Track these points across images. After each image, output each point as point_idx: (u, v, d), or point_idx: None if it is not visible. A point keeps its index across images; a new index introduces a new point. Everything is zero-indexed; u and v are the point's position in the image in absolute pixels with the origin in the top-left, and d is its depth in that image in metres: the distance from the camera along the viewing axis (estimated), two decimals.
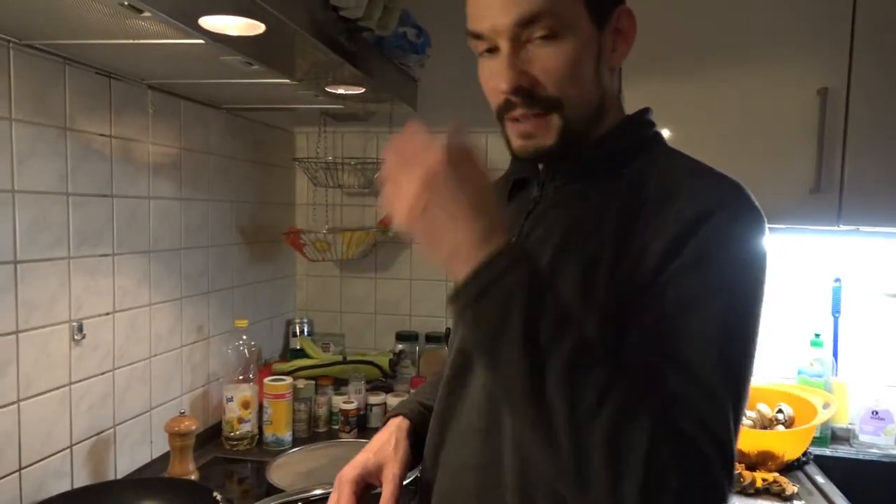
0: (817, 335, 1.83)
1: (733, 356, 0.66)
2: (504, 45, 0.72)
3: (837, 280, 1.85)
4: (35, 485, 1.19)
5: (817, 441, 1.73)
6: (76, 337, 1.27)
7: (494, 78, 0.74)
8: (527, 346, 0.61)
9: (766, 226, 0.72)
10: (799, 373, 1.83)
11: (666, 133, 1.58)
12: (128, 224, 1.41)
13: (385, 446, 0.90)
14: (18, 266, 1.14)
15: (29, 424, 1.18)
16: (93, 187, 1.31)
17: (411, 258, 2.16)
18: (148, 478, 1.40)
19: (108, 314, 1.36)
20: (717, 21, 1.54)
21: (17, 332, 1.14)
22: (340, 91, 1.46)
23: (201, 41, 1.03)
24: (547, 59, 0.72)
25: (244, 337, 1.71)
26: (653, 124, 0.83)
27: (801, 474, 1.57)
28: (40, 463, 1.20)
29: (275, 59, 1.20)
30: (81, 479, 1.30)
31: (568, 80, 0.73)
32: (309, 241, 1.93)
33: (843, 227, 1.54)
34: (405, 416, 0.95)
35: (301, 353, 2.03)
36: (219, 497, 1.20)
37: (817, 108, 1.50)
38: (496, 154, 2.12)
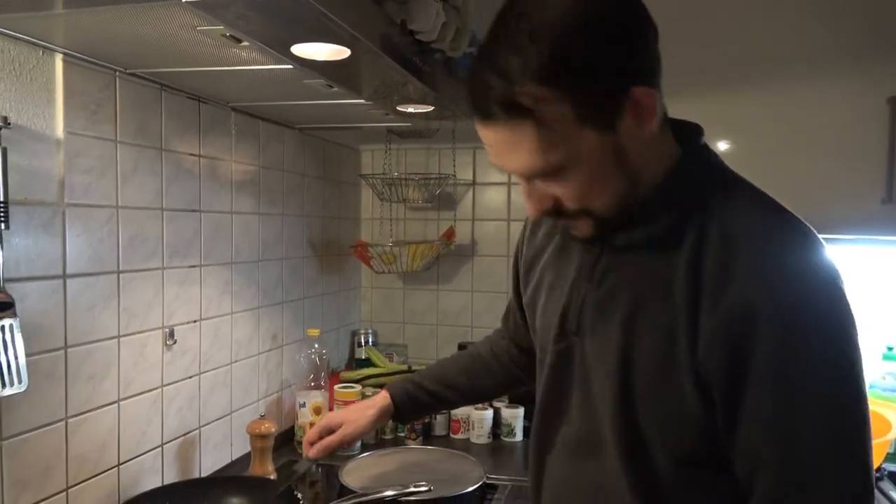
0: (890, 348, 1.79)
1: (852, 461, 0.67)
2: (520, 181, 0.76)
3: None
4: (132, 479, 1.28)
5: (891, 457, 1.68)
6: (168, 342, 1.36)
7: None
8: None
9: (840, 290, 0.69)
10: (871, 387, 1.79)
11: (724, 146, 1.60)
12: (213, 237, 1.50)
13: (359, 412, 1.21)
14: (121, 276, 1.24)
15: (127, 423, 1.27)
16: (183, 203, 1.40)
17: (473, 270, 2.21)
18: (234, 476, 1.48)
19: (195, 322, 1.45)
20: (785, 33, 1.55)
21: (118, 336, 1.24)
22: (410, 109, 1.52)
23: (290, 66, 1.11)
24: (560, 191, 0.73)
25: (315, 345, 1.79)
26: (709, 163, 0.79)
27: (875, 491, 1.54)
28: (136, 459, 1.29)
29: (353, 81, 1.28)
30: (171, 477, 1.38)
31: (587, 197, 0.73)
32: (376, 254, 2.00)
33: None
34: (393, 399, 1.20)
35: (367, 363, 2.09)
36: (300, 496, 1.26)
37: (887, 117, 1.49)
38: None
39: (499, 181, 2.18)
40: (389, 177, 2.10)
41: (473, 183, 2.20)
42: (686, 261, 0.71)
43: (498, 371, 1.20)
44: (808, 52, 1.54)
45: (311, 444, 1.19)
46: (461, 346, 2.16)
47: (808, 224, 0.73)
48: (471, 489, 1.46)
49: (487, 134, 0.72)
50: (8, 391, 0.97)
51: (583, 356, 0.82)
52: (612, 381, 0.77)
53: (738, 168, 1.53)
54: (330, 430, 1.19)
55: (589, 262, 0.82)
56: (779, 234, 0.71)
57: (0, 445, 1.01)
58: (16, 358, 0.99)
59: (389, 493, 1.31)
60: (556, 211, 0.75)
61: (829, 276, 0.69)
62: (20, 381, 1.00)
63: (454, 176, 2.16)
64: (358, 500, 1.34)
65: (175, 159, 1.37)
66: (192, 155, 1.43)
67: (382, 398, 1.21)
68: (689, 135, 0.79)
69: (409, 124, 1.80)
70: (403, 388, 1.21)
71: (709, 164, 0.79)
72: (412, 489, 1.31)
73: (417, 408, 1.24)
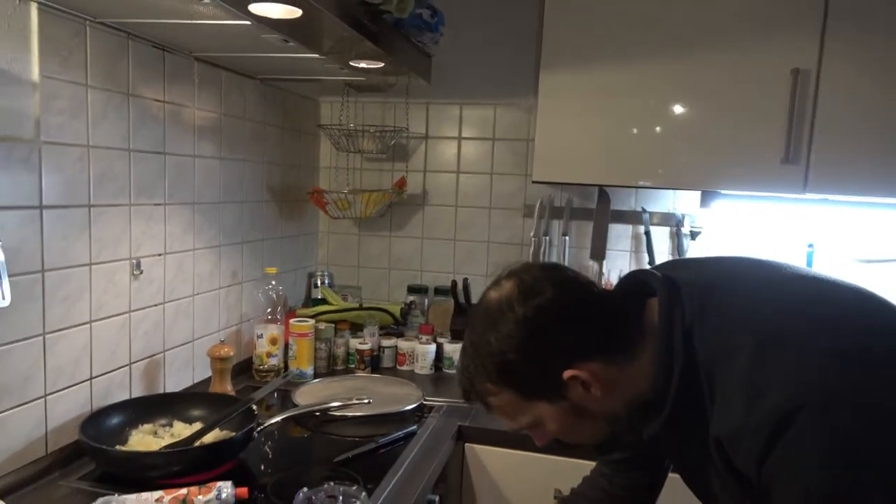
0: None
1: None
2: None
3: (811, 245, 2.02)
4: (103, 392, 1.43)
5: None
6: (135, 272, 1.50)
7: None
8: None
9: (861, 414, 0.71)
10: None
11: (649, 104, 1.76)
12: (177, 178, 1.63)
13: None
14: (91, 209, 1.36)
15: (99, 342, 1.41)
16: (149, 145, 1.52)
17: (424, 218, 2.37)
18: (196, 392, 1.64)
19: (160, 255, 1.59)
20: (700, 4, 1.71)
21: (90, 264, 1.37)
22: (362, 65, 1.65)
23: (248, 22, 1.23)
24: (548, 433, 0.93)
25: (273, 282, 1.93)
26: (673, 335, 0.84)
27: None
28: (106, 375, 1.44)
29: (307, 37, 1.40)
30: (138, 392, 1.53)
31: (570, 436, 0.93)
32: (331, 200, 2.14)
33: (808, 196, 1.72)
34: None
35: (322, 302, 2.25)
36: (255, 408, 1.43)
37: (790, 87, 1.66)
38: (502, 123, 2.31)
39: (450, 136, 2.33)
40: (346, 128, 2.23)
41: (426, 137, 2.34)
42: (713, 441, 0.81)
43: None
44: (720, 23, 1.70)
45: None
46: (410, 288, 2.33)
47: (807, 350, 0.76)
48: (409, 407, 1.66)
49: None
50: None
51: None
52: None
53: (656, 125, 1.73)
54: None
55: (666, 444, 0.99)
56: (758, 388, 0.76)
57: None
58: (0, 277, 1.12)
59: (335, 404, 1.49)
60: (558, 442, 0.96)
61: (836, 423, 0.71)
62: (4, 298, 1.14)
63: (407, 129, 2.29)
64: (305, 410, 1.52)
65: (141, 104, 1.48)
66: (157, 101, 1.54)
67: None
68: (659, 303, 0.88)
69: (364, 78, 1.93)
70: None
71: (680, 324, 0.84)
72: (354, 401, 1.49)
73: None
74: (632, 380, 0.87)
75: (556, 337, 0.86)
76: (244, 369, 1.95)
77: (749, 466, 0.75)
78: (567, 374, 0.85)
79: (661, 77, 1.76)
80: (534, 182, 1.92)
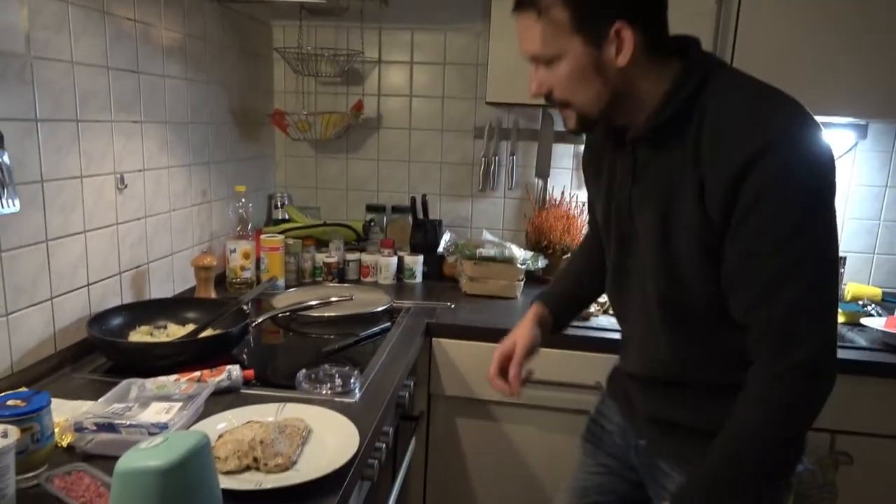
0: None
1: (813, 303, 0.90)
2: (531, 65, 1.03)
3: None
4: (98, 298, 1.53)
5: None
6: (120, 186, 1.58)
7: None
8: None
9: (824, 151, 0.89)
10: None
11: None
12: (150, 97, 1.68)
13: (519, 329, 1.27)
14: (80, 124, 1.43)
15: (93, 251, 1.50)
16: (125, 63, 1.57)
17: (379, 140, 2.49)
18: (188, 297, 1.76)
19: (140, 171, 1.66)
20: None
21: (81, 176, 1.44)
22: None
23: None
24: (551, 79, 1.00)
25: (243, 200, 2.03)
26: (697, 69, 0.97)
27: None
28: (101, 283, 1.54)
29: None
30: (128, 300, 1.64)
31: (569, 91, 1.00)
32: (292, 122, 2.23)
33: None
34: (542, 302, 1.32)
35: (285, 221, 2.36)
36: (246, 308, 1.56)
37: (715, 15, 1.86)
38: (452, 48, 2.42)
39: (402, 60, 2.42)
40: (303, 51, 2.29)
41: (379, 61, 2.43)
42: (690, 151, 0.95)
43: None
44: None
45: (497, 379, 1.24)
46: (369, 207, 2.47)
47: (791, 108, 0.93)
48: (380, 309, 1.84)
49: (518, 23, 1.01)
50: (8, 210, 1.19)
51: (634, 233, 1.09)
52: (656, 241, 1.02)
53: None
54: (506, 358, 1.25)
55: (629, 168, 1.08)
56: (764, 112, 0.92)
57: (0, 256, 1.24)
58: (10, 184, 1.20)
59: (314, 302, 1.64)
60: (547, 97, 1.03)
61: (813, 150, 0.89)
62: (14, 205, 1.22)
63: (362, 53, 2.37)
64: (297, 307, 1.67)
65: (116, 22, 1.53)
66: (129, 19, 1.58)
67: (532, 309, 1.32)
68: (692, 47, 1.01)
69: (324, 1, 2.00)
70: (547, 293, 1.35)
71: (705, 69, 0.98)
72: (335, 299, 1.65)
73: (564, 305, 1.35)
74: (648, 78, 0.99)
75: None
76: (217, 283, 2.06)
77: (716, 203, 0.92)
78: (617, 24, 0.94)
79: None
80: (487, 103, 2.07)
